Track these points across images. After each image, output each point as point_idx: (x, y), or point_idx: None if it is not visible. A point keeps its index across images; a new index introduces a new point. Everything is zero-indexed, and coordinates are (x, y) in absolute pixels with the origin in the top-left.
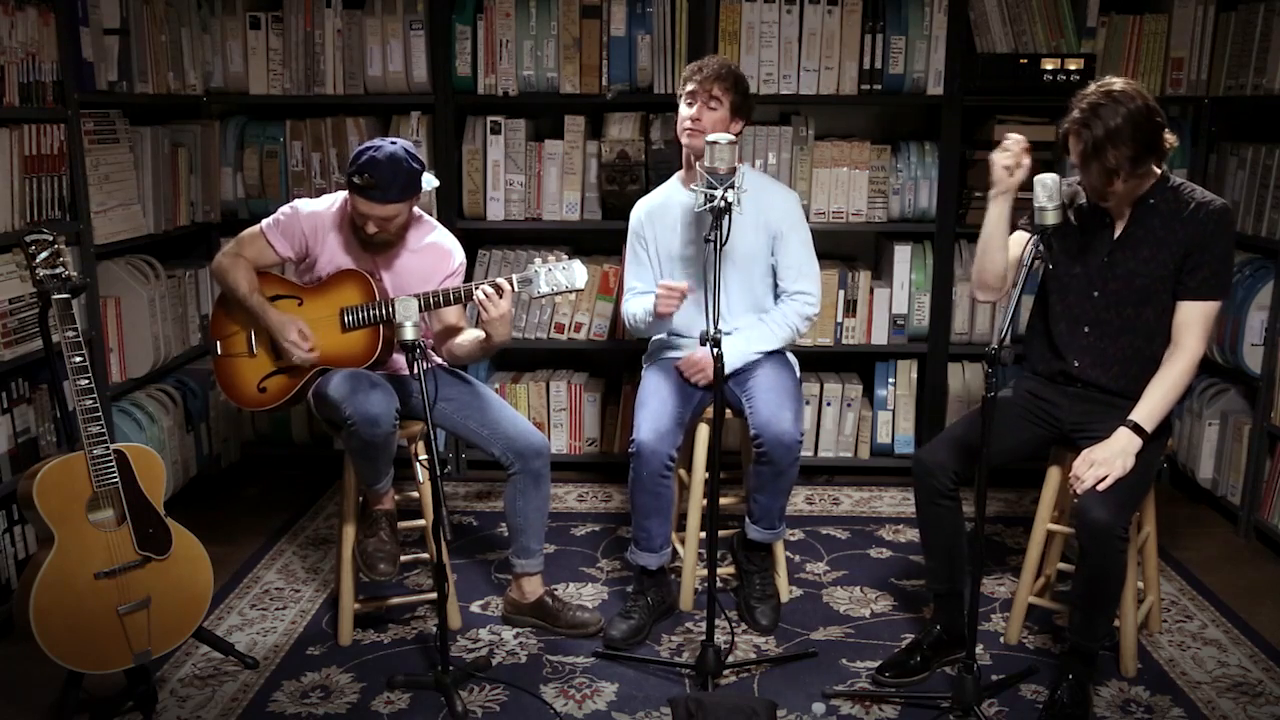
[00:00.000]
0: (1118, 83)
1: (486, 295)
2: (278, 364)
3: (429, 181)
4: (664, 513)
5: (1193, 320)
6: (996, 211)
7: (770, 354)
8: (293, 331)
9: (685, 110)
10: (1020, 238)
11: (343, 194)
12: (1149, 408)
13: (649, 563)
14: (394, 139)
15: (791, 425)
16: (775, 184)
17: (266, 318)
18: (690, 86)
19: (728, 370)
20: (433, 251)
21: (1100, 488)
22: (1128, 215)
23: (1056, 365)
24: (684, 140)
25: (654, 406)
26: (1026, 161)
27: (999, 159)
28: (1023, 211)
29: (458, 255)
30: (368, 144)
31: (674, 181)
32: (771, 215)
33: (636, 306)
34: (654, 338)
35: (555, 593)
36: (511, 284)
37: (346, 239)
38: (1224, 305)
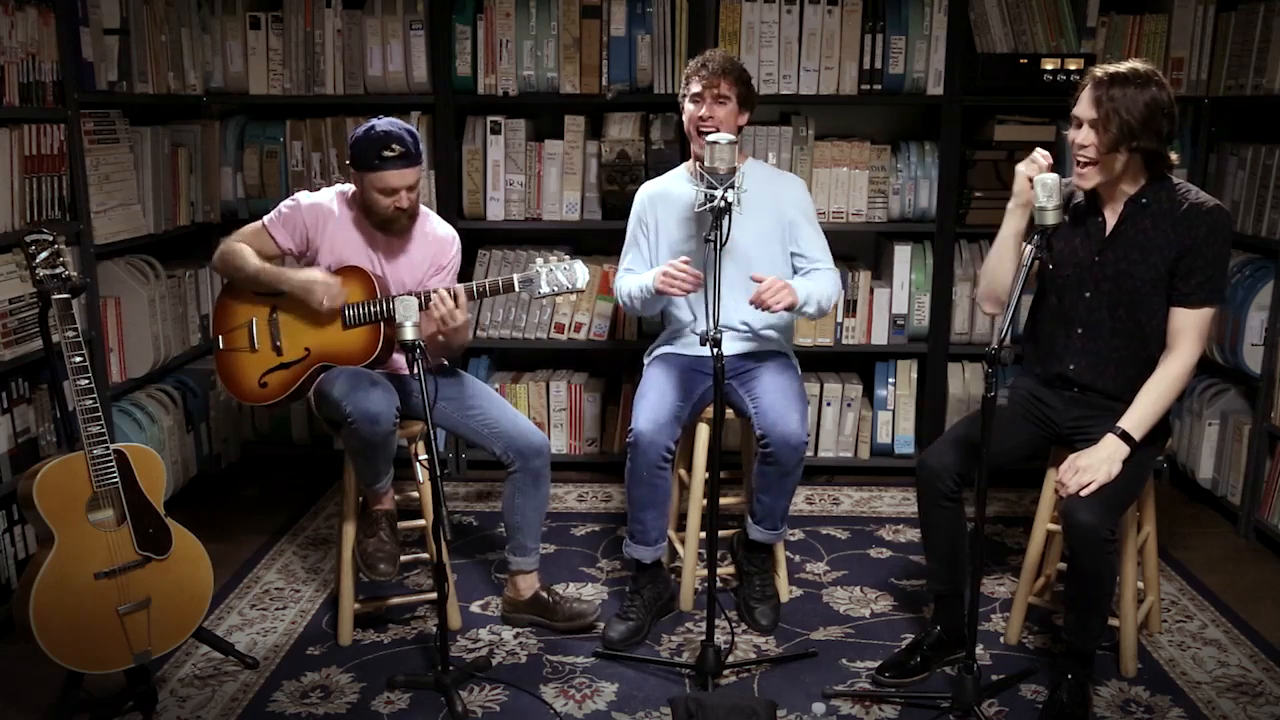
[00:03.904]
0: (1158, 73)
1: (444, 306)
2: (280, 359)
3: None
4: (660, 506)
5: (1187, 327)
6: (1014, 225)
7: (774, 354)
8: (319, 287)
9: (692, 109)
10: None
11: (341, 187)
12: (1139, 415)
13: (644, 556)
14: (375, 117)
15: (798, 426)
16: (781, 173)
17: (285, 280)
18: (696, 87)
19: (783, 297)
20: (432, 240)
21: (1083, 494)
22: (1119, 214)
23: (1053, 368)
24: (695, 141)
25: (653, 399)
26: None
27: (1025, 169)
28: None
29: (456, 243)
30: (363, 128)
31: (680, 171)
32: (784, 204)
33: (630, 284)
34: (660, 335)
35: (551, 588)
36: (513, 283)
37: (349, 230)
38: (1222, 307)
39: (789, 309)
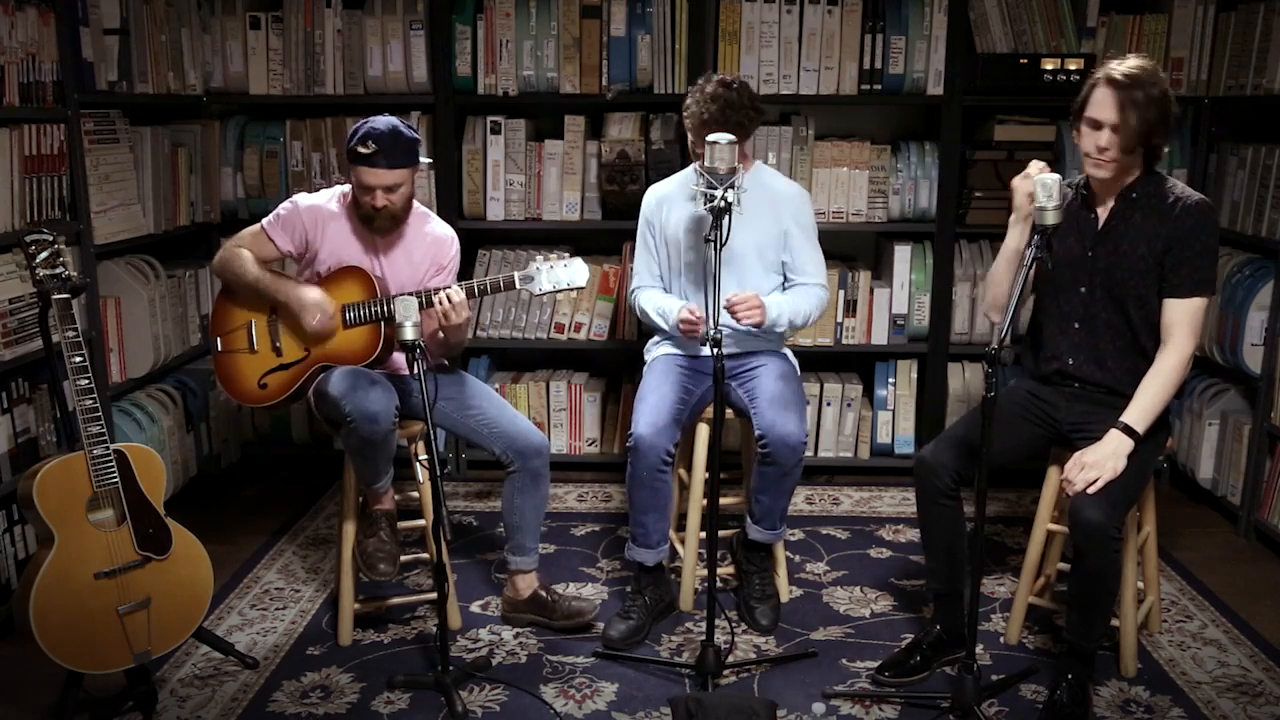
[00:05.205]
0: (1157, 69)
1: (446, 305)
2: (279, 359)
3: (423, 156)
4: (661, 508)
5: (1180, 318)
6: (1017, 236)
7: (773, 354)
8: (311, 308)
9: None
10: None
11: (340, 188)
12: (1140, 409)
13: (646, 559)
14: (385, 114)
15: (796, 426)
16: (785, 180)
17: (283, 291)
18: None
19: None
20: (431, 241)
21: (1090, 491)
22: (1110, 208)
23: (1052, 365)
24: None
25: (653, 401)
26: None
27: (1022, 186)
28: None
29: (455, 243)
30: (363, 120)
31: (690, 171)
32: (783, 213)
33: (650, 303)
34: (658, 336)
35: (550, 587)
36: (514, 281)
37: (348, 231)
38: (1222, 302)
39: (757, 325)
